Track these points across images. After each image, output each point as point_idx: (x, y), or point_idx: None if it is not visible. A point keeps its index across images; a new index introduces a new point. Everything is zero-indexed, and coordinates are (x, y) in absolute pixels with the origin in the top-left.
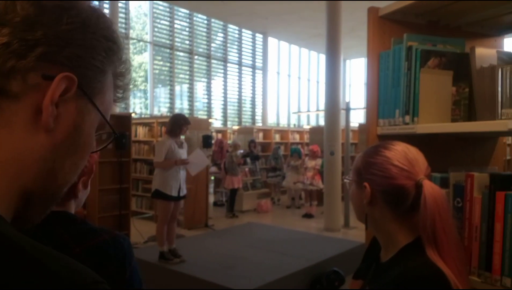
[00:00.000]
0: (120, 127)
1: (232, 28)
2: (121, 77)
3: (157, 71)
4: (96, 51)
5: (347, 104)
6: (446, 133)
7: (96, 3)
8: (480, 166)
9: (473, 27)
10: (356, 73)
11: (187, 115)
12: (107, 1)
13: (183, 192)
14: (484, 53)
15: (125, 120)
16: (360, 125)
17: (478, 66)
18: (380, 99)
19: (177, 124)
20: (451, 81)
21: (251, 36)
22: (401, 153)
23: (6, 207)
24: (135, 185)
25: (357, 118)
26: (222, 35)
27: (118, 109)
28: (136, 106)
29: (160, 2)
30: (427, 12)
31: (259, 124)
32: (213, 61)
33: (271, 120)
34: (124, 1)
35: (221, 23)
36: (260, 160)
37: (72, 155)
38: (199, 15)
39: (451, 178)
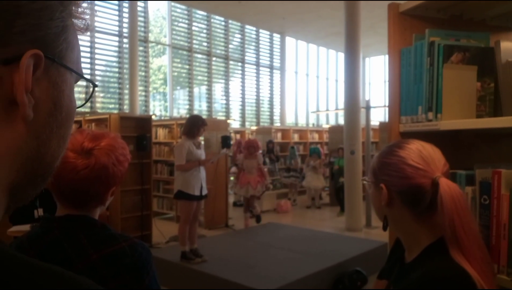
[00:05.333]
0: (141, 129)
1: (250, 29)
2: (81, 17)
3: (175, 74)
4: (52, 9)
5: (367, 102)
6: (471, 130)
7: (116, 7)
8: (507, 162)
9: (498, 21)
10: (375, 71)
11: (205, 116)
12: (126, 5)
13: (205, 191)
14: (509, 47)
15: (145, 122)
16: (381, 124)
17: (503, 60)
18: (402, 96)
19: (195, 125)
20: (476, 76)
21: (268, 36)
22: (415, 152)
23: None
24: (156, 186)
25: (377, 116)
26: (239, 36)
27: (138, 111)
28: (156, 108)
29: (178, 5)
30: (450, 7)
31: (277, 124)
32: (231, 62)
33: (290, 120)
34: (142, 5)
35: (239, 24)
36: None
37: (58, 131)
38: (217, 17)
39: (477, 175)
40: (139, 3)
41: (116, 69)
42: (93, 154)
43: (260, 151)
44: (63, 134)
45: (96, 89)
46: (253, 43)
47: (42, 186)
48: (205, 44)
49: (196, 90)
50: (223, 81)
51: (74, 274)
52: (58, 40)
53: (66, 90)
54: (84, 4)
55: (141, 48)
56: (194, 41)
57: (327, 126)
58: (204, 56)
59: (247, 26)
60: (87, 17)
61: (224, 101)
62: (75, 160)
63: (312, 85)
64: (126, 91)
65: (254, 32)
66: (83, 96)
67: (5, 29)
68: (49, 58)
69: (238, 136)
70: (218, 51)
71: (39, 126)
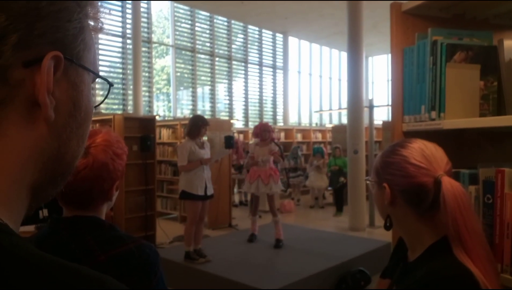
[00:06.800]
0: (145, 130)
1: (252, 29)
2: (96, 18)
3: (179, 74)
4: (69, 10)
5: (370, 101)
6: (475, 129)
7: (119, 8)
8: (510, 161)
9: (501, 19)
10: (378, 70)
11: (209, 117)
12: (129, 6)
13: (210, 191)
14: None
15: (149, 122)
16: (384, 123)
17: (506, 58)
18: (405, 96)
19: (195, 125)
20: (479, 75)
21: (271, 36)
22: (417, 151)
23: (18, 210)
24: (160, 186)
25: (380, 115)
26: (242, 36)
27: (142, 112)
28: (160, 108)
29: (181, 6)
30: (452, 6)
31: (280, 123)
32: (234, 62)
33: (293, 120)
34: (145, 6)
35: (241, 24)
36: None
37: (77, 131)
38: (219, 17)
39: (480, 174)
40: (142, 4)
41: (120, 70)
42: (90, 153)
43: (275, 139)
44: (82, 133)
45: (100, 90)
46: (256, 43)
47: (61, 186)
48: (208, 44)
49: (199, 90)
50: (226, 81)
51: (100, 274)
52: (76, 41)
53: (85, 90)
54: (99, 5)
55: (144, 49)
56: (197, 42)
57: (330, 125)
58: (207, 57)
59: (250, 26)
60: (102, 18)
61: (227, 101)
62: None
63: (315, 85)
64: (130, 92)
65: (257, 32)
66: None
67: (26, 32)
68: (68, 59)
69: (241, 136)
70: (221, 51)
71: (59, 126)
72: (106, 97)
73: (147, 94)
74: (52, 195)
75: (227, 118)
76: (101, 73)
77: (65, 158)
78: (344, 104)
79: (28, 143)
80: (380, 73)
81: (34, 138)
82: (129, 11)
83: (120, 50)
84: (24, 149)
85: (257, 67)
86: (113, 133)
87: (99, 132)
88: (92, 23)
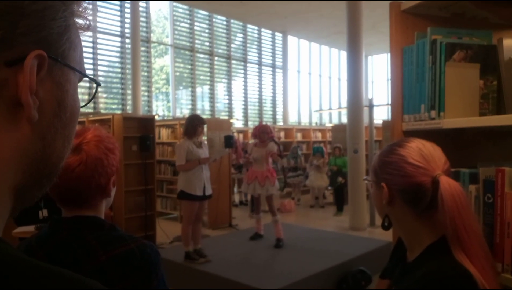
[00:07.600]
0: (144, 130)
1: (252, 28)
2: (83, 16)
3: (178, 74)
4: (54, 9)
5: (370, 101)
6: (474, 128)
7: (118, 7)
8: (511, 160)
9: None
10: (378, 70)
11: (208, 116)
12: (128, 5)
13: (208, 191)
14: None
15: (148, 122)
16: (384, 122)
17: (506, 57)
18: (405, 95)
19: (191, 125)
20: (478, 74)
21: (270, 36)
22: (415, 150)
23: (1, 212)
24: (160, 186)
25: (380, 114)
26: (241, 35)
27: (141, 112)
28: (159, 108)
29: (180, 5)
30: (452, 5)
31: (280, 123)
32: (233, 61)
33: (292, 119)
34: (144, 6)
35: (241, 23)
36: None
37: (62, 131)
38: (219, 17)
39: (480, 173)
40: (140, 3)
41: (119, 70)
42: (83, 149)
43: (274, 139)
44: (67, 134)
45: (99, 89)
46: (255, 43)
47: (47, 187)
48: (207, 44)
49: (198, 90)
50: (225, 80)
51: (82, 277)
52: (61, 40)
53: (70, 90)
54: (86, 3)
55: (143, 49)
56: (196, 41)
57: (330, 125)
58: (206, 56)
59: (249, 26)
60: (89, 16)
61: (227, 101)
62: (67, 159)
63: (314, 84)
64: (129, 92)
65: (256, 32)
66: (86, 97)
67: (8, 31)
68: (53, 58)
69: (241, 135)
70: (220, 51)
71: (44, 126)
72: (93, 97)
73: (146, 93)
74: (37, 197)
75: (226, 117)
76: (99, 73)
77: (50, 159)
78: (344, 103)
79: (11, 144)
80: (379, 72)
81: (17, 139)
82: (127, 10)
83: (119, 49)
84: (6, 150)
85: (257, 66)
86: (103, 129)
87: (88, 129)
88: (78, 21)
